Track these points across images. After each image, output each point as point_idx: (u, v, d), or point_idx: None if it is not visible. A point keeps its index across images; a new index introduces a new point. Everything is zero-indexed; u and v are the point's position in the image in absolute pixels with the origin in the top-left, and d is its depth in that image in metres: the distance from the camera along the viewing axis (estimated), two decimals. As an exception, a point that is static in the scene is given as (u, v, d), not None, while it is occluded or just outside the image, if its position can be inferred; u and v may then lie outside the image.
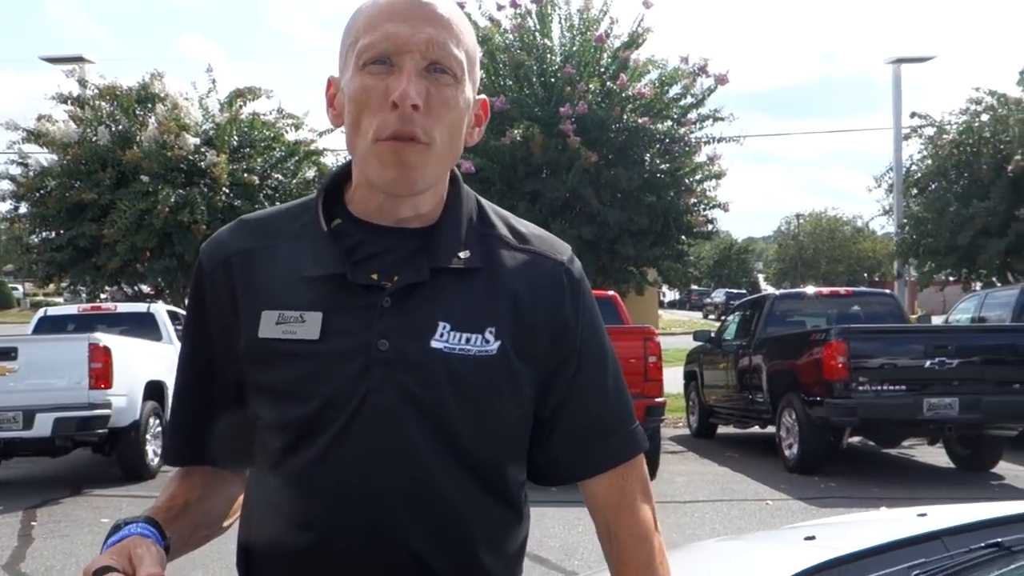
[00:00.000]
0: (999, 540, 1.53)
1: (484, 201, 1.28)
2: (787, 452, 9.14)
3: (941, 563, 1.49)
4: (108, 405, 8.31)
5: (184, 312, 1.34)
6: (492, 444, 1.19)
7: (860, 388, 8.32)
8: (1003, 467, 8.99)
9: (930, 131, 19.29)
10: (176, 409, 1.30)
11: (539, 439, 1.25)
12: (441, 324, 1.16)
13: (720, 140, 15.41)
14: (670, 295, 68.33)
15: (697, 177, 15.41)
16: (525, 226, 1.27)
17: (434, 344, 1.15)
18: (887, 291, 12.51)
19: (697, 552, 2.16)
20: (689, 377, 12.52)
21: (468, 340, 1.16)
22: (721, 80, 14.95)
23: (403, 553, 1.15)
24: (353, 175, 1.23)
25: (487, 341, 1.16)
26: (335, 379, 1.14)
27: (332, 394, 1.14)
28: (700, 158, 15.46)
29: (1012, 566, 1.38)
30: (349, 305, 1.16)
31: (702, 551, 2.17)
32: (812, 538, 1.83)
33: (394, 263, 1.18)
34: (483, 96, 1.26)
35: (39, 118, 14.95)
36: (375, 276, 1.17)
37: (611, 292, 10.83)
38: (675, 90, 15.29)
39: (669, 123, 15.16)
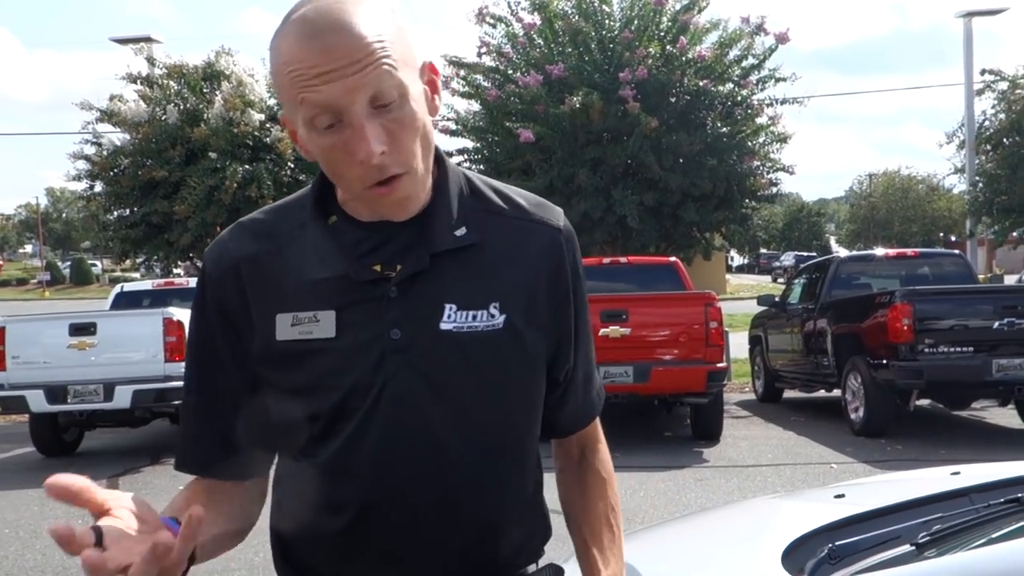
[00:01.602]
0: (1019, 495, 1.57)
1: (472, 174, 1.30)
2: (853, 415, 9.07)
3: (960, 517, 1.53)
4: (183, 377, 8.60)
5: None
6: (508, 414, 1.24)
7: (926, 350, 8.21)
8: (1077, 429, 8.81)
9: (1003, 86, 18.69)
10: (190, 419, 1.31)
11: (552, 398, 1.32)
12: (447, 306, 1.20)
13: (783, 102, 15.15)
14: (738, 259, 67.54)
15: (760, 140, 15.19)
16: (518, 194, 1.30)
17: (443, 326, 1.19)
18: (956, 251, 12.21)
19: (732, 511, 2.22)
20: (754, 342, 12.45)
21: (475, 317, 1.20)
22: (782, 39, 14.67)
23: (427, 524, 1.22)
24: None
25: (492, 316, 1.21)
26: (355, 371, 1.19)
27: (353, 385, 1.19)
28: (762, 120, 15.23)
29: (1025, 521, 1.41)
30: (358, 300, 1.20)
31: (737, 510, 2.23)
32: (842, 496, 1.88)
33: (395, 252, 1.21)
34: (428, 60, 1.23)
35: (111, 98, 15.35)
36: (378, 268, 1.21)
37: (672, 258, 10.81)
38: (735, 51, 15.05)
39: (730, 85, 14.93)
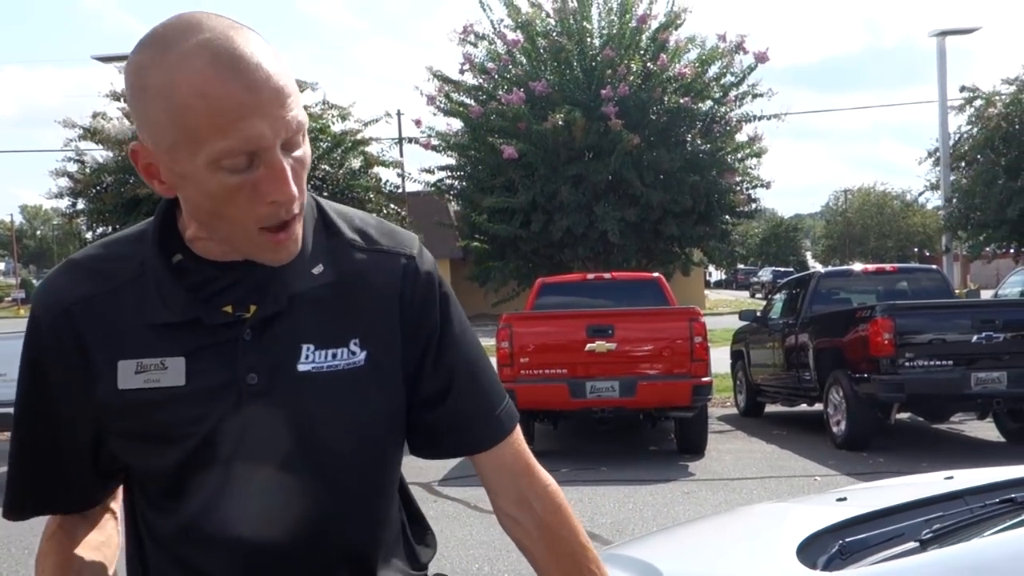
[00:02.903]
0: (1013, 496, 1.67)
1: (323, 203, 1.25)
2: (835, 429, 9.19)
3: (958, 516, 1.63)
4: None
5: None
6: (371, 449, 1.22)
7: (907, 364, 8.36)
8: (1054, 440, 8.98)
9: (977, 103, 19.05)
10: (17, 467, 1.24)
11: (429, 416, 1.26)
12: (305, 347, 1.15)
13: (761, 118, 15.42)
14: (716, 275, 68.03)
15: (739, 156, 15.45)
16: (369, 225, 1.26)
17: (301, 368, 1.15)
18: (933, 267, 12.44)
19: (741, 514, 2.32)
20: (736, 356, 12.58)
21: (334, 355, 1.17)
22: (761, 58, 14.93)
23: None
24: (191, 225, 1.16)
25: (353, 353, 1.18)
26: (209, 419, 1.13)
27: (208, 434, 1.13)
28: (741, 137, 15.50)
29: (1021, 517, 1.52)
30: (209, 344, 1.14)
31: (746, 513, 2.33)
32: (844, 499, 1.98)
33: (247, 292, 1.16)
34: None
35: (94, 115, 15.37)
36: (229, 309, 1.15)
37: (655, 274, 10.94)
38: (714, 69, 15.32)
39: (710, 103, 15.20)
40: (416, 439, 1.29)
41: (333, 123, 15.94)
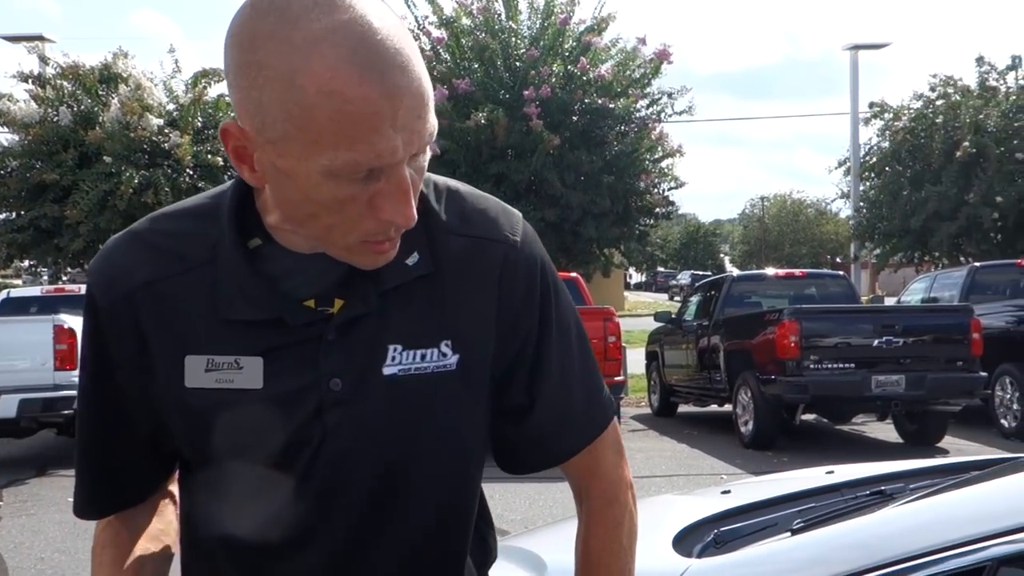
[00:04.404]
0: (882, 488, 1.75)
1: None
2: (743, 429, 9.40)
3: (830, 508, 1.70)
4: (73, 386, 8.32)
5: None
6: (458, 461, 1.10)
7: (811, 366, 8.59)
8: (948, 441, 9.32)
9: (886, 116, 19.71)
10: (84, 461, 1.12)
11: (511, 430, 1.15)
12: (392, 347, 1.03)
13: (670, 116, 15.66)
14: (636, 277, 68.98)
15: (652, 156, 15.67)
16: (464, 200, 1.09)
17: (386, 371, 1.02)
18: (840, 273, 12.84)
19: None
20: (651, 357, 12.77)
21: (423, 357, 1.04)
22: (662, 55, 15.15)
23: None
24: (275, 212, 1.01)
25: (444, 355, 1.05)
26: (285, 427, 1.01)
27: (286, 442, 1.02)
28: (655, 134, 15.75)
29: (886, 507, 1.59)
30: (289, 343, 1.01)
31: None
32: (728, 492, 2.05)
33: (331, 285, 1.02)
34: None
35: (-1, 97, 14.87)
36: (311, 304, 1.01)
37: (574, 274, 11.04)
38: (629, 70, 15.52)
39: (623, 102, 15.40)
40: (495, 449, 1.17)
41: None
